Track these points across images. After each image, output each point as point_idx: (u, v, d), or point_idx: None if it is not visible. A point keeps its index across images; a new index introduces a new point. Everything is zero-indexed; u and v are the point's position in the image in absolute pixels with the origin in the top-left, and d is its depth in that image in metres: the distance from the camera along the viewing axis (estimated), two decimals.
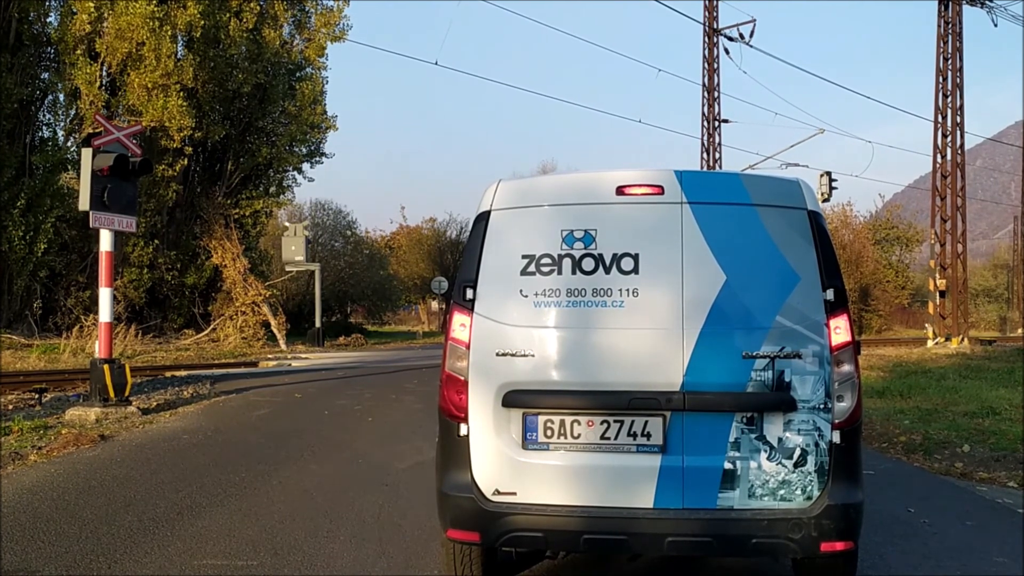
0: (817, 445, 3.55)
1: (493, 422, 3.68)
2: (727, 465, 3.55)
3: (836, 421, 3.57)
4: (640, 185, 3.76)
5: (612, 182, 3.78)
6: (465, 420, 3.71)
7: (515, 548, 3.91)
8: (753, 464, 3.54)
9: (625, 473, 3.58)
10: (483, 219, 3.86)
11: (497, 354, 3.70)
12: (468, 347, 3.73)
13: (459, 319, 3.77)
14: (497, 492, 3.66)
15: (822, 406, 3.56)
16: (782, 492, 3.54)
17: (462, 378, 3.73)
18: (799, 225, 3.70)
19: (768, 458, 3.55)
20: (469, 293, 3.77)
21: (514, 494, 3.64)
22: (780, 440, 3.55)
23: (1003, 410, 11.21)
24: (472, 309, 3.75)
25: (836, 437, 3.57)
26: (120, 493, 6.54)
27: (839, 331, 3.61)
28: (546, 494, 3.62)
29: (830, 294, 3.62)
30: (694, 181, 3.77)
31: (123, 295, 25.72)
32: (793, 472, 3.55)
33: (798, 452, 3.55)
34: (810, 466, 3.55)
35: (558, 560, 4.64)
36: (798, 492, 3.54)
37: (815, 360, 3.57)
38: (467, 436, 3.70)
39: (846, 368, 3.61)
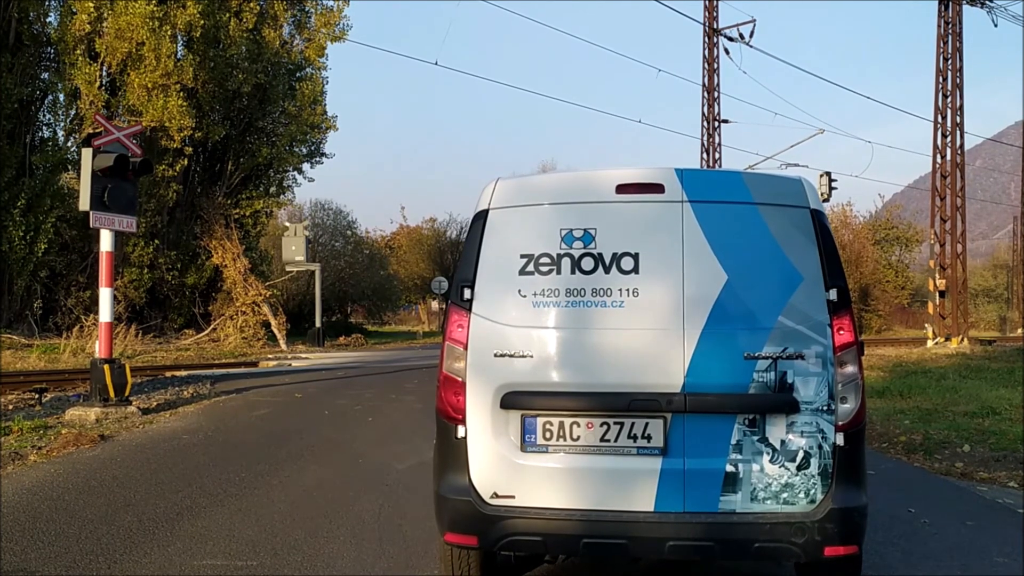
0: (820, 447, 3.51)
1: (491, 424, 3.64)
2: (729, 468, 3.50)
3: (839, 423, 3.52)
4: (640, 183, 3.72)
5: (612, 180, 3.73)
6: (463, 422, 3.67)
7: (514, 552, 3.86)
8: (755, 467, 3.50)
9: (625, 476, 3.54)
10: (481, 218, 3.81)
11: (495, 355, 3.65)
12: (466, 348, 3.68)
13: (456, 319, 3.72)
14: (495, 495, 3.61)
15: (825, 408, 3.52)
16: (785, 495, 3.50)
17: (460, 379, 3.69)
18: (802, 224, 3.65)
19: (771, 461, 3.50)
20: (467, 293, 3.72)
21: (512, 497, 3.60)
22: (783, 442, 3.51)
23: (1003, 410, 11.19)
24: (470, 309, 3.71)
25: (839, 439, 3.52)
26: (120, 493, 6.53)
27: (842, 332, 3.56)
28: (545, 497, 3.58)
29: (833, 294, 3.58)
30: (695, 179, 3.73)
31: (123, 295, 25.71)
32: (796, 475, 3.50)
33: (801, 455, 3.51)
34: (813, 469, 3.51)
35: (557, 564, 4.61)
36: (801, 495, 3.50)
37: (818, 361, 3.52)
38: (465, 438, 3.65)
39: (849, 369, 3.56)
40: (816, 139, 28.96)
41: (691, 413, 3.53)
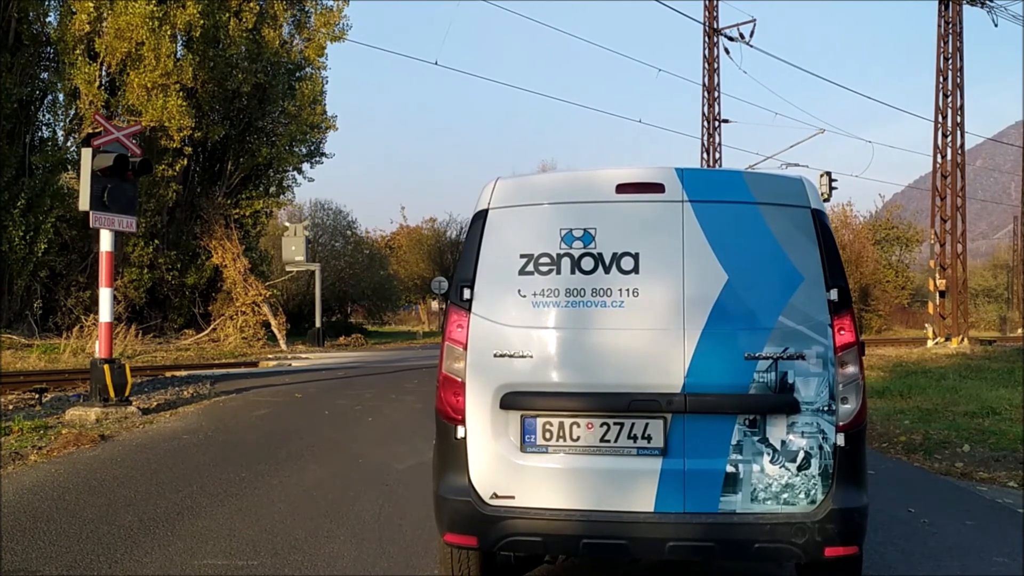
0: (821, 448, 3.50)
1: (491, 424, 3.63)
2: (729, 468, 3.49)
3: (840, 423, 3.52)
4: (640, 183, 3.70)
5: (612, 180, 3.72)
6: (462, 422, 3.66)
7: (513, 552, 3.85)
8: (756, 467, 3.49)
9: (625, 476, 3.53)
10: (480, 218, 3.80)
11: (495, 355, 3.65)
12: (465, 348, 3.68)
13: (456, 319, 3.71)
14: (495, 495, 3.60)
15: (826, 408, 3.51)
16: (785, 496, 3.49)
17: (459, 379, 3.68)
18: (802, 224, 3.64)
19: (771, 461, 3.50)
20: (466, 293, 3.71)
21: (512, 497, 3.59)
22: (783, 443, 3.50)
23: (1003, 410, 11.19)
24: (469, 309, 3.70)
25: (840, 440, 3.51)
26: (120, 493, 6.53)
27: (843, 332, 3.55)
28: (545, 497, 3.57)
29: (834, 294, 3.57)
30: (695, 179, 3.71)
31: (123, 295, 25.70)
32: (796, 476, 3.49)
33: (801, 455, 3.50)
34: (814, 469, 3.50)
35: (557, 564, 4.61)
36: (802, 496, 3.49)
37: (819, 361, 3.52)
38: (464, 438, 3.65)
39: (850, 369, 3.55)
40: (816, 139, 29.02)
41: (691, 413, 3.52)
